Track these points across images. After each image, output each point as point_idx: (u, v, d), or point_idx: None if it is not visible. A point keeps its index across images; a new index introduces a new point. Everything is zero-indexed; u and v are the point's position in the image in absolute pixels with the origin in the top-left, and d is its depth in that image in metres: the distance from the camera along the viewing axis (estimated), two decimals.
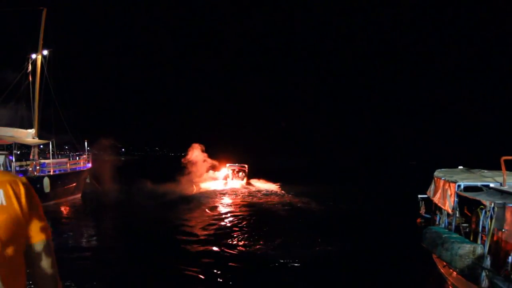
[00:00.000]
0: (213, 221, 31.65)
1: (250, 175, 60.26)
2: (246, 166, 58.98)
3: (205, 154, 63.58)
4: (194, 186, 54.29)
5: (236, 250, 21.92)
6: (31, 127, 39.39)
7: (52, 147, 39.69)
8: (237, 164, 59.18)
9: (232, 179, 57.07)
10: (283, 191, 52.16)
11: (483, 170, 17.36)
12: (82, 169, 43.12)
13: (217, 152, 70.54)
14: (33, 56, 40.90)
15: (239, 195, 48.86)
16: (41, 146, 44.88)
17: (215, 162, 62.81)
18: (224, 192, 51.46)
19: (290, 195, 48.56)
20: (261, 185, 56.67)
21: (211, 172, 61.47)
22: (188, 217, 33.41)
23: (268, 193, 50.35)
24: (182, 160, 64.23)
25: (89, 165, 45.89)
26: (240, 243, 23.36)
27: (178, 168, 59.87)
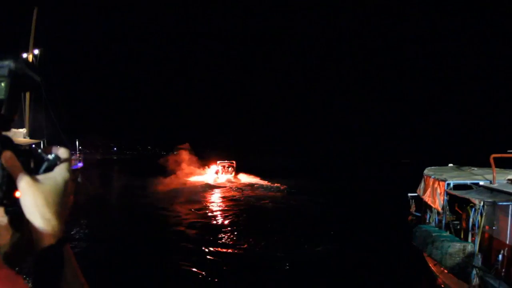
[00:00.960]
0: (201, 216, 31.80)
1: (238, 171, 64.48)
2: (234, 162, 64.01)
3: (193, 154, 68.40)
4: (181, 181, 57.10)
5: (226, 249, 21.82)
6: (22, 127, 39.10)
7: (43, 146, 39.44)
8: (226, 161, 64.52)
9: (222, 173, 61.95)
10: (268, 184, 54.43)
11: (473, 168, 17.33)
12: (73, 168, 42.82)
13: (209, 150, 73.69)
14: (24, 55, 40.57)
15: (228, 188, 51.36)
16: (33, 146, 44.59)
17: (202, 160, 69.48)
18: (215, 186, 54.12)
19: (277, 189, 50.13)
20: (247, 179, 60.78)
21: (199, 169, 67.17)
22: (176, 212, 33.54)
23: (255, 187, 52.65)
24: (161, 160, 68.45)
25: (80, 164, 45.75)
26: (230, 242, 23.29)
27: (161, 167, 62.72)
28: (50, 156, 1.11)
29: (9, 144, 1.05)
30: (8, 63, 1.05)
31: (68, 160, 1.13)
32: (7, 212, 1.05)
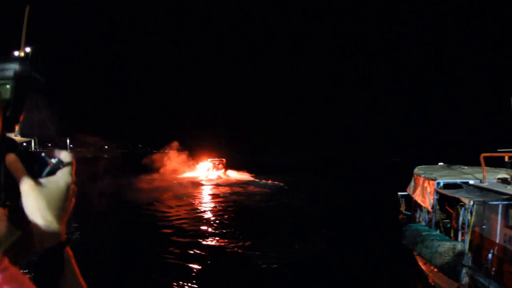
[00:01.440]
0: (189, 214, 31.93)
1: (234, 168, 68.74)
2: (224, 160, 68.79)
3: (182, 152, 74.07)
4: (171, 178, 59.30)
5: (215, 249, 21.80)
6: None
7: (35, 144, 39.37)
8: (217, 158, 69.47)
9: (213, 170, 65.88)
10: (259, 181, 56.33)
11: (463, 167, 17.35)
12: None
13: (201, 148, 76.93)
14: (16, 53, 40.31)
15: (218, 185, 53.28)
16: (24, 144, 44.55)
17: (194, 158, 73.97)
18: (205, 182, 56.93)
19: (268, 186, 51.37)
20: (238, 175, 64.32)
21: (189, 167, 71.50)
22: (165, 210, 33.67)
23: (245, 184, 54.66)
24: (146, 160, 71.51)
25: None
26: (219, 241, 23.30)
27: (150, 166, 64.92)
28: (53, 160, 1.12)
29: (13, 146, 1.07)
30: (14, 65, 1.07)
31: (70, 164, 1.15)
32: (9, 213, 1.05)
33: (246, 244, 22.28)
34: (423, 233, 14.92)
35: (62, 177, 1.11)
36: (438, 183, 15.54)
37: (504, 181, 14.09)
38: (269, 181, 54.83)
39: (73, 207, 1.15)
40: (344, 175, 75.28)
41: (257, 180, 57.94)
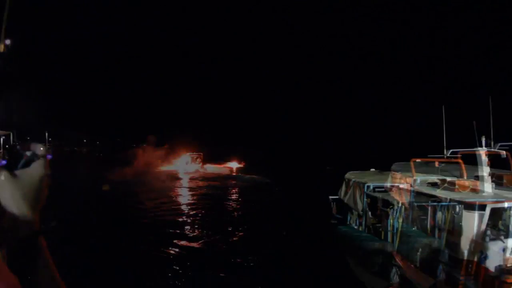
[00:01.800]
0: (165, 206, 32.16)
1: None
2: (202, 153, 72.48)
3: (159, 146, 76.51)
4: (149, 171, 60.26)
5: (190, 243, 21.77)
6: None
7: (13, 138, 38.80)
8: (195, 153, 72.62)
9: (191, 163, 69.27)
10: (237, 175, 59.11)
11: (442, 164, 17.45)
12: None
13: (180, 142, 77.87)
14: None
15: (195, 178, 55.68)
16: (4, 137, 43.86)
17: (173, 151, 75.54)
18: (183, 175, 59.21)
19: (245, 180, 52.94)
20: (214, 169, 66.63)
21: (168, 160, 73.16)
22: (141, 202, 33.68)
23: (221, 177, 56.47)
24: (120, 154, 72.30)
25: (49, 156, 45.41)
26: (193, 235, 23.35)
27: (127, 160, 66.92)
28: (28, 153, 1.19)
29: None
30: None
31: (44, 157, 1.22)
32: None
33: (216, 237, 22.42)
34: (400, 229, 15.02)
35: (36, 169, 1.18)
36: (415, 180, 15.65)
37: (480, 179, 14.29)
38: (247, 175, 56.36)
39: (47, 198, 1.20)
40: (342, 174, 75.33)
41: (234, 173, 60.57)
